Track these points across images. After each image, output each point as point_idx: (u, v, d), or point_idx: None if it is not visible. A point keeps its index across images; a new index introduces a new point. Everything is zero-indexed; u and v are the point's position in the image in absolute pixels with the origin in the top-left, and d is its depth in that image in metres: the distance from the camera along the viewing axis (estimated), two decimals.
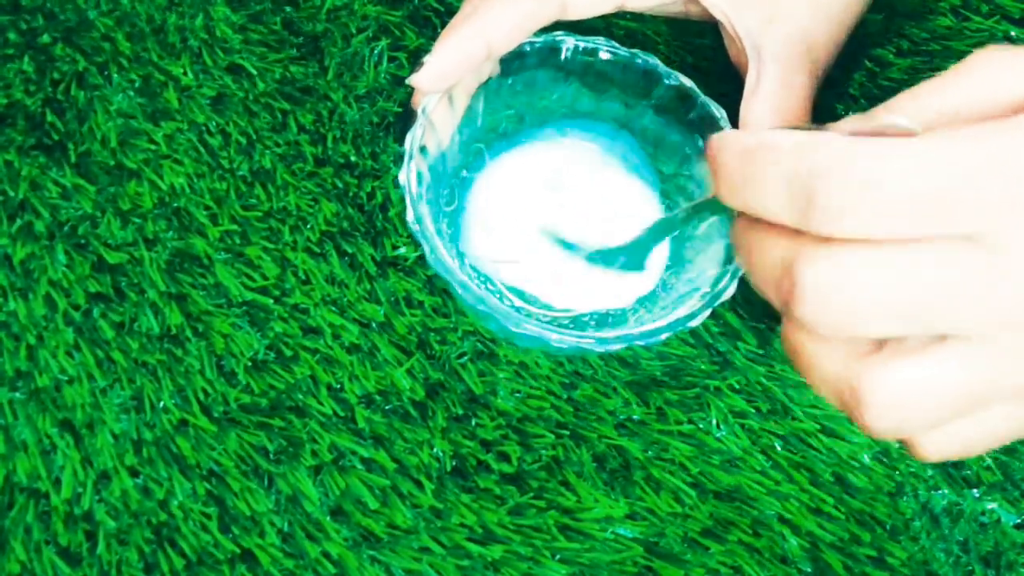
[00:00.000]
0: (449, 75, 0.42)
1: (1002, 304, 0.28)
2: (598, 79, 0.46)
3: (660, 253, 0.46)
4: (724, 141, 0.31)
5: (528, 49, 0.44)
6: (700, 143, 0.45)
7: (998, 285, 0.28)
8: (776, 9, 0.44)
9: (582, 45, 0.45)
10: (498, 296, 0.44)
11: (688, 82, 0.44)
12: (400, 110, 0.48)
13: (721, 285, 0.41)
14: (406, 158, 0.41)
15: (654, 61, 0.45)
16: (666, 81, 0.45)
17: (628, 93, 0.46)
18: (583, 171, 0.47)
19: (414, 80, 0.42)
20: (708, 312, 0.40)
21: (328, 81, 0.49)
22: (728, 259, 0.41)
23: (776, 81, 0.43)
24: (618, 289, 0.45)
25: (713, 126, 0.44)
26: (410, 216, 0.40)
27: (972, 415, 0.30)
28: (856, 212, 0.28)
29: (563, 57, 0.45)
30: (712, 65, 0.50)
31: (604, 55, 0.45)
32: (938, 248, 0.28)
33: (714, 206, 0.36)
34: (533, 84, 0.46)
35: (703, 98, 0.44)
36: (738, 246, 0.33)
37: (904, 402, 0.29)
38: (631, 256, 0.44)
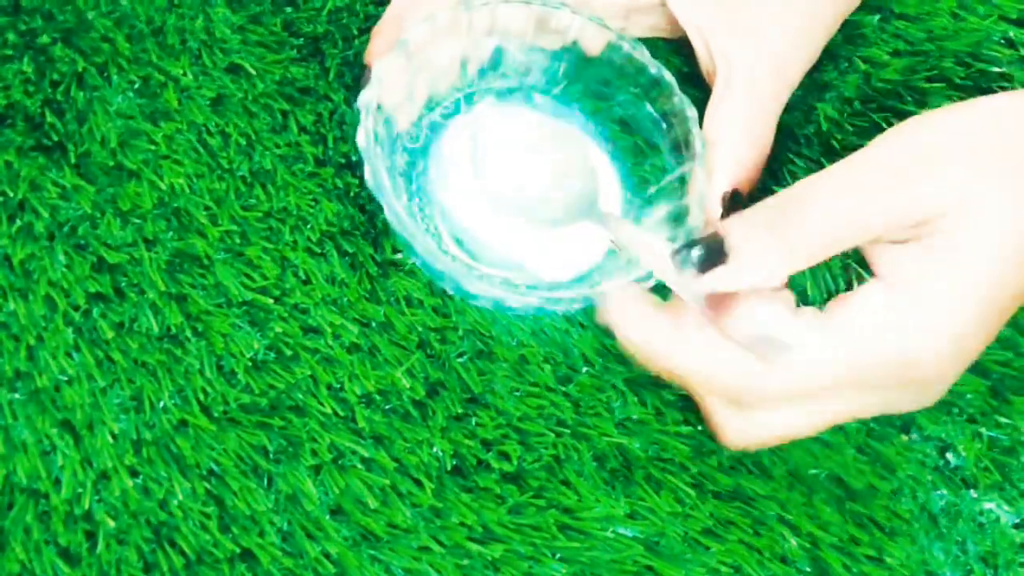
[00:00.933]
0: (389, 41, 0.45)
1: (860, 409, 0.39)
2: (584, 54, 0.46)
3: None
4: (616, 325, 0.38)
5: (525, 11, 0.45)
6: (668, 136, 0.45)
7: (858, 404, 0.39)
8: (746, 25, 0.44)
9: (577, 21, 0.45)
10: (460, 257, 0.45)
11: (668, 75, 0.45)
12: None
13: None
14: (362, 117, 0.42)
15: (641, 48, 0.45)
16: (649, 71, 0.45)
17: (608, 74, 0.46)
18: (551, 141, 0.48)
19: (366, 57, 0.46)
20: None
21: (329, 82, 0.49)
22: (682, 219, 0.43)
23: (742, 93, 0.44)
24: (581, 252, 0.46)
25: (684, 123, 0.44)
26: (367, 176, 0.41)
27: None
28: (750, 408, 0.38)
29: (557, 26, 0.46)
30: (691, 72, 0.50)
31: (594, 32, 0.45)
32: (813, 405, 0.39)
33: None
34: (520, 45, 0.47)
35: (679, 95, 0.45)
36: None
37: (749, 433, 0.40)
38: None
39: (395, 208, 0.41)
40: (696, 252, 0.35)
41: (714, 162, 0.43)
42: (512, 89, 0.49)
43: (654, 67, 0.45)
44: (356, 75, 0.50)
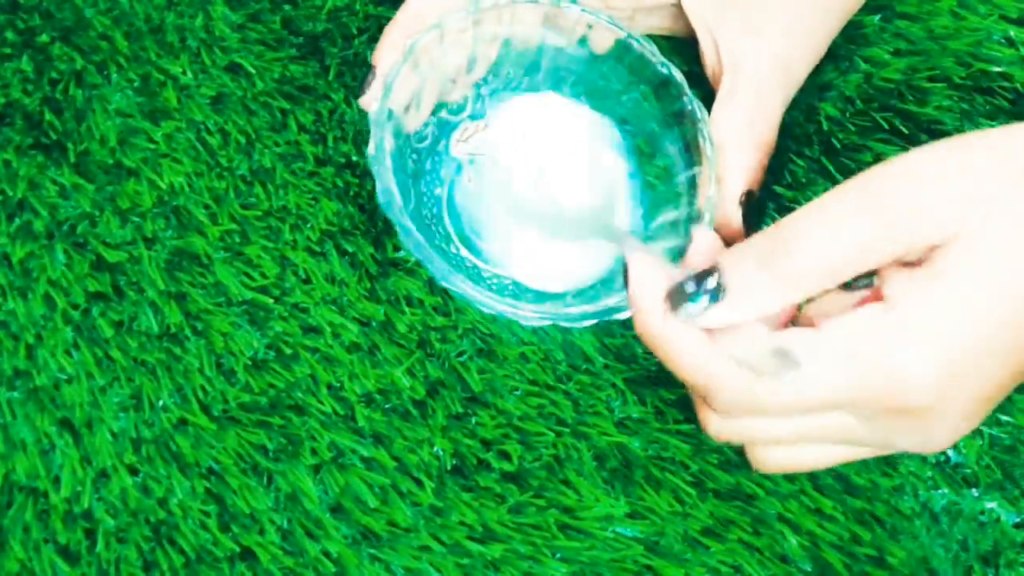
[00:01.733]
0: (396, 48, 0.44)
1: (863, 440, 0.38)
2: (592, 52, 0.46)
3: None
4: (637, 308, 0.37)
5: (532, 12, 0.45)
6: (676, 136, 0.45)
7: (860, 433, 0.38)
8: (756, 24, 0.44)
9: (586, 19, 0.45)
10: (454, 251, 0.45)
11: (678, 75, 0.45)
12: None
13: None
14: (373, 130, 0.42)
15: (651, 47, 0.45)
16: (659, 70, 0.45)
17: (619, 72, 0.46)
18: (563, 139, 0.47)
19: (374, 58, 0.45)
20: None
21: (329, 81, 0.49)
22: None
23: (750, 93, 0.44)
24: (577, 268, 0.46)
25: (693, 124, 0.44)
26: (379, 192, 0.41)
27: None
28: (746, 414, 0.36)
29: (565, 25, 0.45)
30: (694, 72, 0.50)
31: (603, 30, 0.45)
32: (816, 419, 0.37)
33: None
34: (528, 43, 0.46)
35: (689, 95, 0.45)
36: None
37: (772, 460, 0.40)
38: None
39: (407, 226, 0.40)
40: (692, 292, 0.35)
41: (725, 167, 0.43)
42: (518, 87, 0.48)
43: (664, 66, 0.45)
44: (362, 75, 0.49)
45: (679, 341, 0.36)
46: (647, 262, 0.37)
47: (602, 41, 0.46)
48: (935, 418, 0.35)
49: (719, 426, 0.38)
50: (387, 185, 0.41)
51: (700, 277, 0.35)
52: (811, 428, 0.37)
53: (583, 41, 0.46)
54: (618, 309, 0.41)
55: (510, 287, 0.45)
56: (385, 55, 0.44)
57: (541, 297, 0.45)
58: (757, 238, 0.35)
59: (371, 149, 0.41)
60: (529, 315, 0.40)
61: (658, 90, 0.45)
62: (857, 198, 0.34)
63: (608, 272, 0.46)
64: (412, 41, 0.43)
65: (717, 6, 0.45)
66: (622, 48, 0.45)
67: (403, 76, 0.43)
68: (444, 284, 0.40)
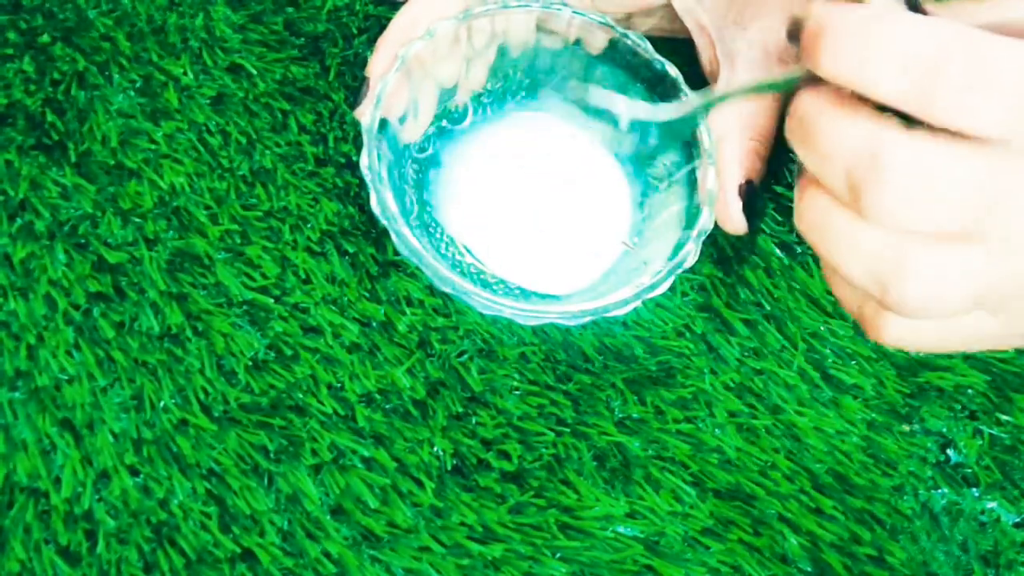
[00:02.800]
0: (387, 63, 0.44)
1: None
2: (588, 54, 0.46)
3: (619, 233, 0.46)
4: (840, 9, 0.31)
5: (525, 16, 0.45)
6: (674, 139, 0.45)
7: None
8: (751, 19, 0.44)
9: (577, 21, 0.45)
10: (456, 257, 0.45)
11: (673, 70, 0.45)
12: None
13: (678, 259, 0.41)
14: (365, 141, 0.42)
15: (645, 44, 0.45)
16: (655, 67, 0.45)
17: (615, 72, 0.46)
18: (559, 144, 0.48)
19: (368, 70, 0.44)
20: (637, 302, 0.41)
21: (329, 81, 0.49)
22: (678, 243, 0.42)
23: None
24: (572, 269, 0.46)
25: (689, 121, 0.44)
26: (373, 202, 0.41)
27: (961, 315, 0.33)
28: (975, 103, 0.29)
29: (558, 28, 0.46)
30: (691, 72, 0.50)
31: (596, 31, 0.45)
32: (1012, 157, 0.29)
33: (788, 83, 0.35)
34: (523, 48, 0.47)
35: (685, 89, 0.45)
36: (807, 126, 0.33)
37: (942, 283, 0.31)
38: (672, 131, 0.43)
39: (403, 233, 0.41)
40: None
41: (724, 157, 0.43)
42: (516, 92, 0.48)
43: (659, 63, 0.45)
44: (358, 79, 0.50)
45: (900, 15, 0.30)
46: None
47: (596, 42, 0.46)
48: None
49: (909, 160, 0.31)
50: (381, 195, 0.41)
51: None
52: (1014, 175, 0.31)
53: (578, 43, 0.46)
54: (619, 304, 0.41)
55: (514, 291, 0.45)
56: (378, 66, 0.44)
57: (542, 299, 0.45)
58: None
59: (363, 159, 0.42)
60: (529, 314, 0.40)
61: (655, 87, 0.46)
62: None
63: (606, 274, 0.46)
64: (404, 51, 0.43)
65: (713, 6, 0.45)
66: (616, 48, 0.46)
67: (395, 85, 0.43)
68: (444, 289, 0.40)
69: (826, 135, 0.32)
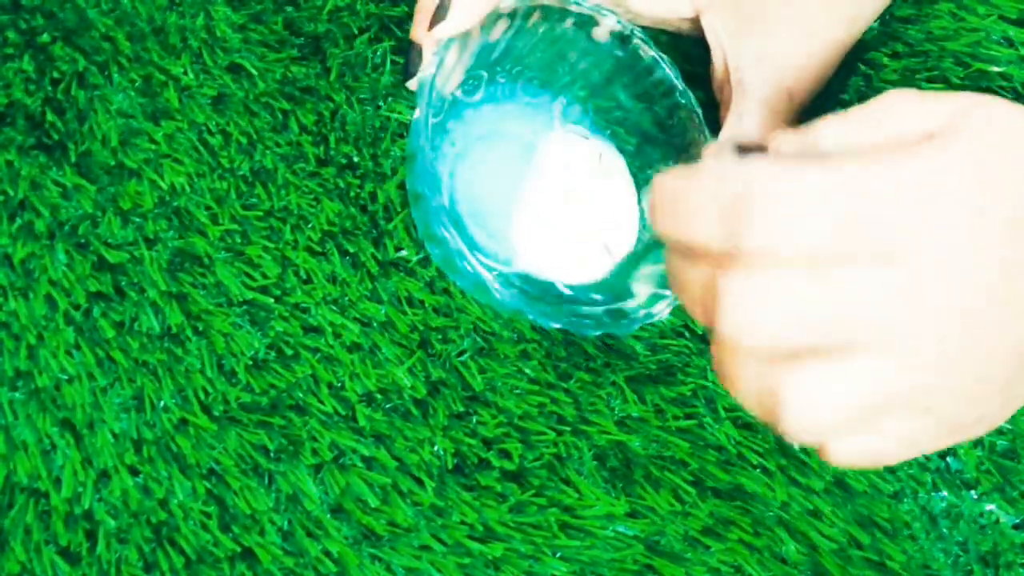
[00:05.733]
0: (468, 23, 0.43)
1: (908, 319, 0.30)
2: (617, 64, 0.46)
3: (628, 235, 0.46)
4: (660, 177, 0.33)
5: (569, 9, 0.45)
6: (673, 139, 0.45)
7: (907, 301, 0.30)
8: (770, 53, 0.45)
9: (618, 28, 0.45)
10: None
11: (693, 102, 0.45)
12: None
13: (656, 308, 0.41)
14: (421, 103, 0.41)
15: (674, 72, 0.45)
16: (678, 98, 0.45)
17: (634, 91, 0.46)
18: (568, 143, 0.47)
19: (437, 32, 0.43)
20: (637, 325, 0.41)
21: (330, 82, 0.49)
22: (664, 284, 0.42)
23: (757, 121, 0.45)
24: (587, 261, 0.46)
25: (689, 127, 0.44)
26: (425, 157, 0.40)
27: (878, 426, 0.32)
28: (780, 231, 0.30)
29: (596, 30, 0.45)
30: (702, 71, 0.50)
31: (635, 44, 0.45)
32: (853, 265, 0.30)
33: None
34: (553, 43, 0.46)
35: (688, 97, 0.45)
36: (671, 276, 0.34)
37: (818, 403, 0.31)
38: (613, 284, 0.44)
39: (439, 204, 0.40)
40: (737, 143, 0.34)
41: None
42: (531, 81, 0.48)
43: (680, 90, 0.45)
44: (359, 79, 0.50)
45: (704, 167, 0.32)
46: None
47: (627, 55, 0.46)
48: (986, 270, 0.31)
49: (741, 286, 0.31)
50: (427, 161, 0.40)
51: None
52: (847, 283, 0.31)
53: (609, 48, 0.46)
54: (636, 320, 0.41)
55: (515, 281, 0.45)
56: (425, 30, 0.43)
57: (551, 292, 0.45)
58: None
59: (418, 114, 0.41)
60: (507, 295, 0.40)
61: (671, 116, 0.46)
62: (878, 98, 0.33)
63: (614, 274, 0.46)
64: (439, 50, 0.43)
65: (735, 30, 0.45)
66: (643, 61, 0.46)
67: (452, 54, 0.43)
68: (463, 265, 0.40)
69: (682, 282, 0.33)
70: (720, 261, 0.31)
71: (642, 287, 0.42)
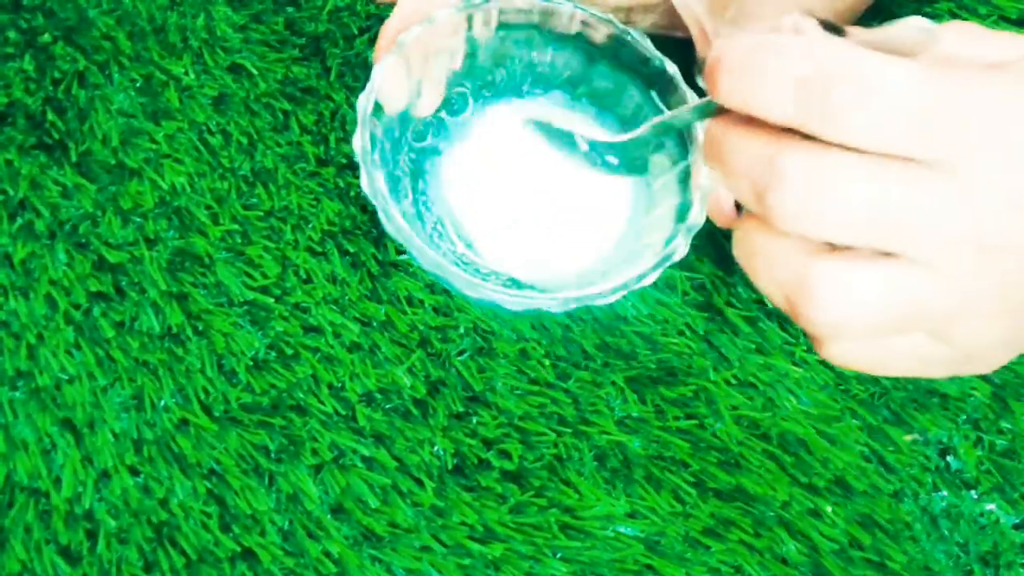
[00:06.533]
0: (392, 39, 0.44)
1: (955, 237, 0.30)
2: (588, 49, 0.47)
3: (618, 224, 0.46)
4: (731, 41, 0.32)
5: (528, 8, 0.45)
6: (675, 133, 0.45)
7: (957, 218, 0.30)
8: (749, 17, 0.45)
9: (580, 15, 0.45)
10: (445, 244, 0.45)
11: (672, 67, 0.45)
12: None
13: (668, 249, 0.41)
14: (359, 122, 0.42)
15: (646, 42, 0.45)
16: (654, 64, 0.45)
17: (614, 68, 0.47)
18: (556, 140, 0.48)
19: (374, 57, 0.44)
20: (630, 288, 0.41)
21: (330, 82, 0.49)
22: (677, 221, 0.43)
23: None
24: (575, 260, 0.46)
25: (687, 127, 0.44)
26: (363, 182, 0.41)
27: (892, 336, 0.32)
28: (857, 117, 0.29)
29: (560, 22, 0.46)
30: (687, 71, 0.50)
31: (598, 26, 0.45)
32: (914, 170, 0.30)
33: (706, 109, 0.36)
34: (527, 43, 0.47)
35: (684, 87, 0.45)
36: (716, 145, 0.33)
37: (846, 301, 0.31)
38: (629, 154, 0.44)
39: (391, 213, 0.41)
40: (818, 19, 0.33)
41: None
42: (515, 85, 0.49)
43: (658, 60, 0.45)
44: (359, 79, 0.50)
45: (788, 39, 0.31)
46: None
47: (597, 38, 0.46)
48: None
49: (803, 171, 0.31)
50: (372, 175, 0.41)
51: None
52: (906, 186, 0.31)
53: (579, 39, 0.46)
54: (605, 294, 0.40)
55: (507, 283, 0.45)
56: (381, 52, 0.44)
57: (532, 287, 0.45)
58: None
59: (355, 140, 0.42)
60: (514, 299, 0.40)
61: (653, 84, 0.46)
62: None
63: (599, 268, 0.46)
64: (403, 36, 0.43)
65: (714, 10, 0.45)
66: (617, 44, 0.46)
67: (392, 70, 0.43)
68: (430, 270, 0.40)
69: (731, 152, 0.32)
70: (780, 138, 0.31)
71: (610, 279, 0.42)
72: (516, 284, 0.45)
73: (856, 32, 0.32)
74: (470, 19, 0.45)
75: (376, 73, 0.43)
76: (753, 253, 0.33)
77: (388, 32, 0.45)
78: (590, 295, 0.41)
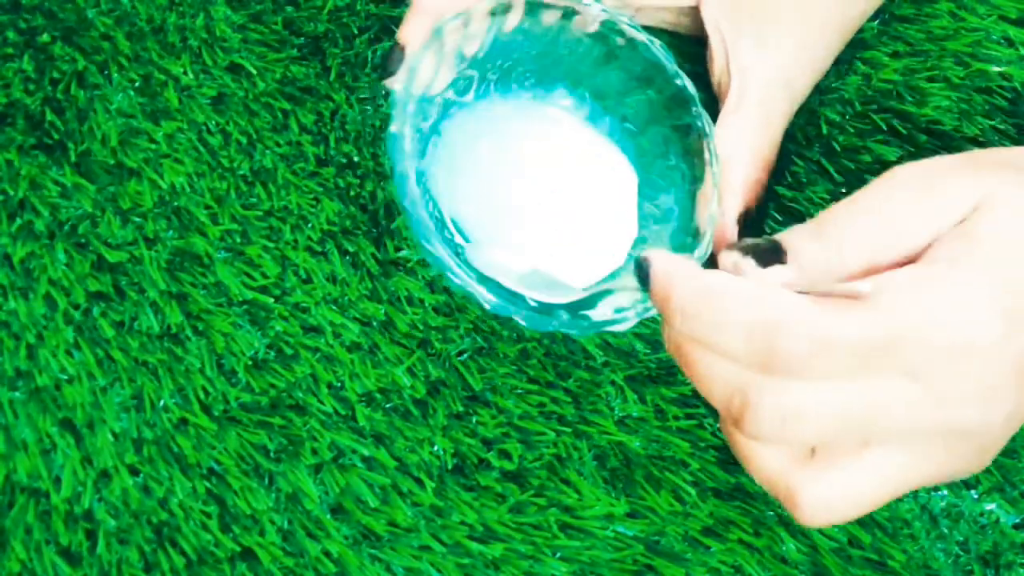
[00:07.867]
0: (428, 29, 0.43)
1: (924, 425, 0.34)
2: (608, 52, 0.46)
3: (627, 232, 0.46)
4: (674, 277, 0.35)
5: (553, 3, 0.44)
6: (681, 142, 0.45)
7: (923, 411, 0.33)
8: (768, 40, 0.45)
9: (604, 16, 0.45)
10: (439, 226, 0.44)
11: (691, 87, 0.44)
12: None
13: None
14: (398, 113, 0.41)
15: (665, 53, 0.45)
16: (673, 80, 0.45)
17: (630, 76, 0.46)
18: (563, 139, 0.47)
19: (401, 36, 0.44)
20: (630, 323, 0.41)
21: (330, 82, 0.49)
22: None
23: (756, 109, 0.44)
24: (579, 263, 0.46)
25: (700, 139, 0.44)
26: (408, 198, 0.40)
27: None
28: (811, 364, 0.32)
29: (582, 21, 0.45)
30: (700, 70, 0.50)
31: (622, 31, 0.45)
32: (879, 379, 0.33)
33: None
34: (540, 37, 0.46)
35: (700, 109, 0.44)
36: (680, 354, 0.36)
37: (831, 506, 0.35)
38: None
39: (418, 214, 0.40)
40: (757, 244, 0.35)
41: (726, 180, 0.43)
42: (524, 76, 0.48)
43: (679, 77, 0.44)
44: (359, 79, 0.50)
45: (731, 285, 0.34)
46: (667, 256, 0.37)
47: (618, 42, 0.45)
48: (996, 366, 0.34)
49: (771, 406, 0.33)
50: (404, 169, 0.40)
51: (765, 242, 0.36)
52: (871, 397, 0.34)
53: (595, 40, 0.45)
54: (614, 322, 0.40)
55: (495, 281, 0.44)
56: (411, 35, 0.43)
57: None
58: (804, 224, 0.36)
59: (394, 128, 0.40)
60: (497, 304, 0.40)
61: (664, 96, 0.45)
62: (882, 190, 0.36)
63: (610, 276, 0.45)
64: (440, 25, 0.42)
65: (734, 19, 0.45)
66: (638, 53, 0.45)
67: (427, 60, 0.42)
68: (450, 276, 0.40)
69: (702, 373, 0.35)
70: (745, 370, 0.33)
71: (608, 304, 0.42)
72: (514, 293, 0.44)
73: (801, 250, 0.35)
74: (500, 10, 0.44)
75: (415, 64, 0.42)
76: (743, 453, 0.36)
77: (418, 13, 0.44)
78: (611, 320, 0.41)
